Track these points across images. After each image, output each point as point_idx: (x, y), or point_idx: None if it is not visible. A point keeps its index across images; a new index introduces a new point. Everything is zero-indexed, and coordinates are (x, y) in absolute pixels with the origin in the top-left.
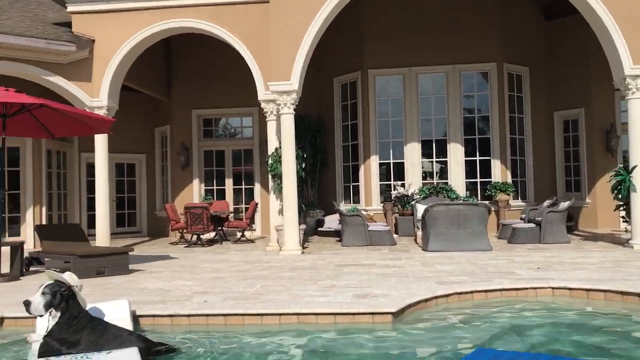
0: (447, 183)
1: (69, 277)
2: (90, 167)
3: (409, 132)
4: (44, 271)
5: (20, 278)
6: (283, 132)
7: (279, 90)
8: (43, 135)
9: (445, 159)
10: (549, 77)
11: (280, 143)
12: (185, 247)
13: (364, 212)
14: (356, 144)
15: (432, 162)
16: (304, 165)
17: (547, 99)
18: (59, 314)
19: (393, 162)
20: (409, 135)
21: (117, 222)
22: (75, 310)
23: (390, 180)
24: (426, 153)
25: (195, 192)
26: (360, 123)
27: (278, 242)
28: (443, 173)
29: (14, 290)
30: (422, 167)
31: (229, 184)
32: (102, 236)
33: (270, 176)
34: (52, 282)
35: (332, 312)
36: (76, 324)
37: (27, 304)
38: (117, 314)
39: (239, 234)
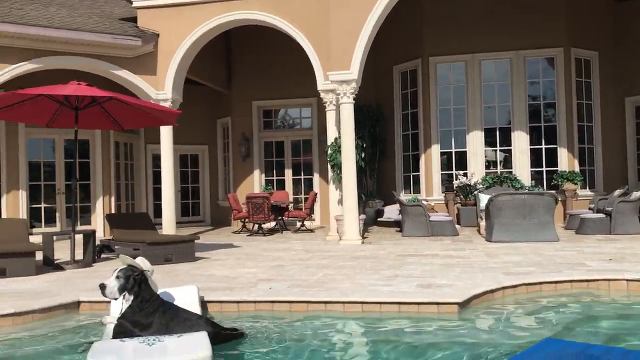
0: (511, 172)
1: (142, 262)
2: (156, 159)
3: (471, 120)
4: (114, 258)
5: (93, 265)
6: (342, 121)
7: (338, 79)
8: (112, 127)
9: (509, 148)
10: (619, 61)
11: (339, 133)
12: (247, 235)
13: (424, 202)
14: (416, 132)
15: (495, 150)
16: (363, 155)
17: (617, 84)
18: (131, 298)
19: (455, 151)
20: (471, 124)
21: (182, 211)
22: (147, 294)
23: (452, 170)
24: (489, 141)
25: (255, 182)
26: (420, 111)
27: (338, 232)
28: (507, 162)
29: (87, 276)
30: (485, 156)
31: (288, 175)
32: (168, 225)
33: (329, 166)
34: (125, 266)
35: (396, 302)
36: (148, 307)
37: (102, 287)
38: (186, 298)
39: (298, 224)
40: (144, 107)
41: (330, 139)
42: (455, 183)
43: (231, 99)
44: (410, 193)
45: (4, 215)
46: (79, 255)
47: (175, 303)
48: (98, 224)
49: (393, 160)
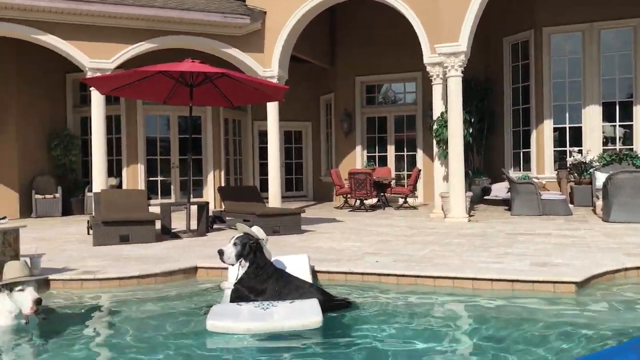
0: (632, 149)
1: (257, 231)
2: (262, 135)
3: (588, 94)
4: (225, 229)
5: (207, 234)
6: (449, 95)
7: (446, 52)
8: (223, 103)
9: (631, 123)
10: None
11: (446, 107)
12: (349, 211)
13: (535, 180)
14: (527, 107)
15: (614, 126)
16: (470, 130)
17: None
18: (247, 264)
19: (569, 127)
20: (587, 97)
21: (286, 186)
22: (262, 261)
23: (566, 146)
24: (608, 116)
25: (357, 158)
26: (532, 85)
27: (442, 209)
28: (627, 138)
29: (202, 245)
30: (603, 132)
31: (390, 151)
32: (274, 198)
33: (434, 142)
34: (242, 234)
35: (509, 279)
36: (262, 274)
37: (220, 253)
38: (297, 267)
39: (401, 201)
40: (253, 83)
41: (436, 114)
42: (569, 160)
43: (334, 75)
44: (520, 170)
45: (124, 187)
46: (193, 225)
47: (287, 271)
48: (209, 196)
49: (502, 136)
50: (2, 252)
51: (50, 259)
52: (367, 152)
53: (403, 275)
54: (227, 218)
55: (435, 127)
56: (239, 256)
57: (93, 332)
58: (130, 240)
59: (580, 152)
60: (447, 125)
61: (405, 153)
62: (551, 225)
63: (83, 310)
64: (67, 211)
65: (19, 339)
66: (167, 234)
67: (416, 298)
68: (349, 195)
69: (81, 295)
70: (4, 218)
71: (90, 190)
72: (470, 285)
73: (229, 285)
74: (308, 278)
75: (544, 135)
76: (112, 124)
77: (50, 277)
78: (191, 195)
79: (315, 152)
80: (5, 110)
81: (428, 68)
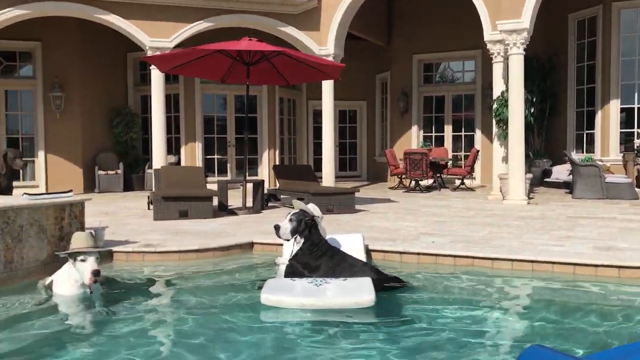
0: None
1: (313, 208)
2: (316, 115)
3: None
4: (280, 207)
5: (262, 211)
6: (511, 74)
7: (507, 29)
8: (280, 82)
9: None
10: None
11: (506, 86)
12: (404, 192)
13: (599, 163)
14: (592, 87)
15: None
16: (532, 110)
17: None
18: (302, 241)
19: (638, 107)
20: None
21: (339, 166)
22: (317, 238)
23: (633, 128)
24: None
25: (413, 138)
26: (598, 63)
27: (501, 191)
28: None
29: (258, 221)
30: None
31: (447, 131)
32: (328, 178)
33: (494, 122)
34: (298, 211)
35: (571, 262)
36: (316, 250)
37: (276, 228)
38: (352, 245)
39: (457, 182)
40: (310, 62)
41: (496, 93)
42: (637, 142)
43: (391, 53)
44: (583, 152)
45: (183, 164)
46: (249, 202)
47: (342, 249)
48: (264, 175)
49: (564, 117)
50: (69, 224)
51: (114, 232)
52: (424, 132)
53: (460, 256)
54: (282, 196)
55: (495, 106)
56: (294, 232)
57: (153, 303)
58: (188, 215)
59: None
60: (507, 105)
61: (462, 133)
62: (615, 209)
63: (144, 282)
64: (128, 187)
65: (83, 307)
66: (224, 210)
67: (473, 280)
68: (403, 176)
69: (142, 268)
70: (69, 191)
71: (150, 167)
72: (530, 267)
73: (283, 260)
74: (362, 257)
75: (609, 116)
76: (171, 103)
77: (114, 249)
78: (247, 174)
79: (370, 132)
80: (70, 89)
81: (489, 46)
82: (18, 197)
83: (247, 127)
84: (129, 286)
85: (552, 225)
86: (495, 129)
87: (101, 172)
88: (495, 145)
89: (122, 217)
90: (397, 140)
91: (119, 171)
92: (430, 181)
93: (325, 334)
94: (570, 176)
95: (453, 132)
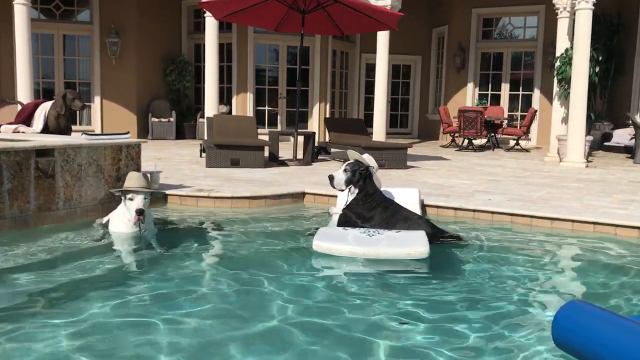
0: None
1: (368, 159)
2: (369, 69)
3: None
4: (330, 160)
5: (312, 164)
6: (577, 29)
7: None
8: (334, 32)
9: None
10: None
11: (571, 44)
12: (456, 150)
13: None
14: None
15: None
16: (597, 70)
17: None
18: (356, 191)
19: None
20: None
21: (390, 122)
22: (371, 189)
23: None
24: None
25: (468, 96)
26: None
27: (558, 153)
28: None
29: (309, 173)
30: None
31: (504, 89)
32: (379, 133)
33: (555, 80)
34: (352, 161)
35: (636, 226)
36: (371, 201)
37: (331, 178)
38: (408, 199)
39: (512, 142)
40: (367, 10)
41: (559, 50)
42: None
43: (449, 5)
44: None
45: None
46: (299, 155)
47: (397, 202)
48: (314, 128)
49: (630, 79)
50: (126, 165)
51: (167, 176)
52: (479, 90)
53: (518, 215)
54: (332, 149)
55: (557, 64)
56: (348, 182)
57: (204, 246)
58: (240, 164)
59: None
60: (571, 63)
61: (520, 93)
62: None
63: (197, 225)
64: (180, 135)
65: (135, 245)
66: (274, 161)
67: (531, 239)
68: (456, 134)
69: (196, 211)
70: (127, 133)
71: (202, 116)
72: (592, 229)
73: (337, 210)
74: (418, 211)
75: None
76: (224, 52)
77: (168, 192)
78: (297, 126)
79: (424, 88)
80: (126, 35)
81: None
82: (77, 136)
83: (300, 78)
84: (183, 229)
85: (613, 189)
86: (556, 88)
87: (154, 120)
88: (555, 105)
89: (174, 162)
90: (452, 98)
91: (172, 119)
92: (484, 140)
93: (375, 284)
94: (633, 140)
95: (510, 91)
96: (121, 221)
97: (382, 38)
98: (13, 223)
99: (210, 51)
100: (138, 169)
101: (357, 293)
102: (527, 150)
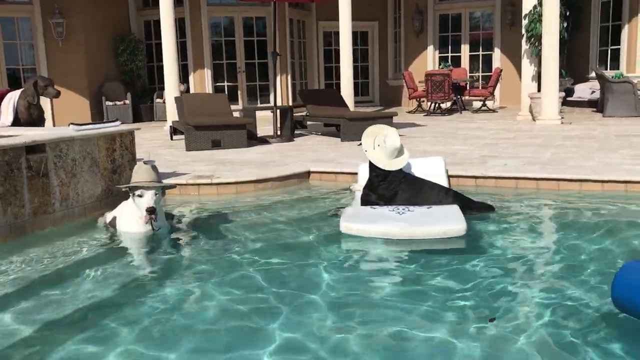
0: None
1: (391, 137)
2: (327, 36)
3: None
4: (307, 134)
5: (294, 139)
6: None
7: None
8: None
9: None
10: None
11: (539, 0)
12: (424, 115)
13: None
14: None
15: None
16: (565, 25)
17: None
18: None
19: None
20: None
21: None
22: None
23: None
24: None
25: (429, 59)
26: None
27: (530, 112)
28: None
29: (296, 149)
30: None
31: (464, 51)
32: (348, 102)
33: (524, 38)
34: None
35: None
36: (389, 182)
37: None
38: (432, 169)
39: (478, 104)
40: None
41: (526, 8)
42: None
43: None
44: (607, 70)
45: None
46: (266, 131)
47: (421, 173)
48: (278, 101)
49: (587, 33)
50: (120, 156)
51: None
52: (439, 53)
53: (543, 179)
54: (309, 122)
55: (526, 22)
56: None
57: (225, 240)
58: (221, 145)
59: None
60: (541, 20)
61: (480, 53)
62: None
63: (209, 216)
64: (137, 118)
65: (149, 247)
66: (254, 139)
67: (562, 203)
68: (422, 99)
69: (201, 200)
70: (115, 120)
71: (159, 96)
72: (623, 188)
73: (359, 187)
74: (444, 181)
75: (637, 31)
76: (177, 28)
77: (164, 181)
78: (258, 101)
79: (382, 54)
80: (71, 16)
81: None
82: (64, 128)
83: (274, 50)
84: (195, 221)
85: (610, 145)
86: (524, 46)
87: (109, 103)
88: (525, 63)
89: (147, 148)
90: (412, 62)
91: (127, 101)
92: (449, 104)
93: (411, 265)
94: (594, 94)
95: (470, 52)
96: (132, 219)
97: (344, 4)
98: (8, 231)
99: (167, 26)
100: (134, 159)
101: (392, 276)
102: (494, 111)
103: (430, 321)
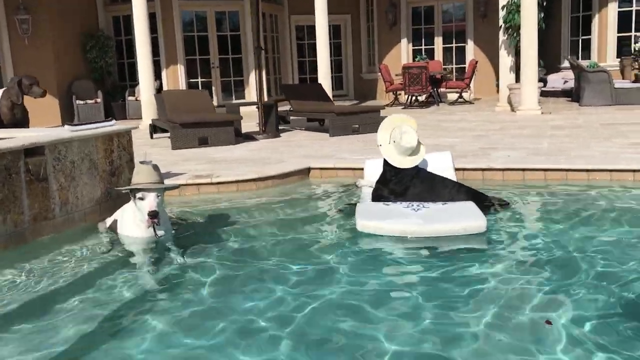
0: None
1: (410, 134)
2: (299, 30)
3: None
4: (291, 129)
5: (280, 135)
6: None
7: None
8: None
9: None
10: None
11: None
12: (402, 108)
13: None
14: None
15: None
16: (542, 15)
17: None
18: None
19: (635, 10)
20: None
21: None
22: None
23: (630, 32)
24: None
25: (403, 52)
26: None
27: (509, 102)
28: None
29: (286, 145)
30: None
31: (438, 43)
32: None
33: (502, 30)
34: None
35: None
36: (401, 177)
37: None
38: (440, 164)
39: (454, 96)
40: None
41: (502, 0)
42: (636, 46)
43: None
44: (578, 59)
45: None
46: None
47: (429, 168)
48: (252, 97)
49: (558, 23)
50: (118, 157)
51: None
52: (413, 46)
53: (551, 170)
54: (292, 117)
55: (504, 13)
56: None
57: (233, 243)
58: (209, 142)
59: None
60: (519, 11)
61: (453, 45)
62: (634, 114)
63: (213, 217)
64: (109, 116)
65: (153, 253)
66: (239, 135)
67: (573, 193)
68: (399, 92)
69: (200, 201)
70: (110, 119)
71: (131, 94)
72: (631, 177)
73: (364, 182)
74: (452, 176)
75: (607, 20)
76: (148, 23)
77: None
78: (233, 97)
79: (355, 48)
80: (36, 12)
81: None
82: (59, 129)
83: (258, 45)
84: (199, 224)
85: (600, 134)
86: (502, 37)
87: (79, 102)
88: (502, 54)
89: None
90: (385, 56)
91: (99, 100)
92: (424, 96)
93: (431, 263)
94: (566, 84)
95: (443, 44)
96: (133, 223)
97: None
98: (8, 240)
99: (140, 21)
100: (131, 160)
101: (414, 277)
102: (470, 103)
103: (457, 320)
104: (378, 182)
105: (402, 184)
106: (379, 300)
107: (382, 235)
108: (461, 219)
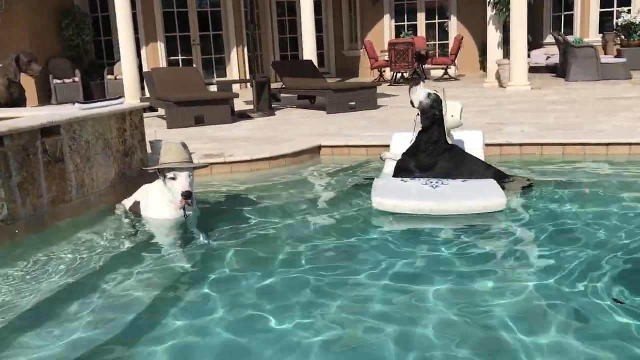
0: None
1: (452, 106)
2: (280, 6)
3: None
4: (282, 108)
5: (275, 113)
6: None
7: None
8: None
9: None
10: None
11: None
12: (388, 85)
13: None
14: None
15: None
16: None
17: None
18: (418, 131)
19: None
20: None
21: None
22: (436, 135)
23: (613, 7)
24: None
25: (386, 29)
26: None
27: (497, 78)
28: None
29: (284, 124)
30: None
31: (421, 19)
32: None
33: (490, 5)
34: (436, 95)
35: None
36: (433, 149)
37: (412, 89)
38: (471, 143)
39: (438, 73)
40: None
41: None
42: (619, 21)
43: None
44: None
45: (145, 69)
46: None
47: (462, 149)
48: (234, 75)
49: None
50: (131, 136)
51: None
52: (395, 22)
53: (570, 144)
54: (283, 95)
55: None
56: (422, 110)
57: (257, 223)
58: (205, 121)
59: (629, 12)
60: None
61: (436, 21)
62: (623, 89)
63: (232, 197)
64: (88, 96)
65: (182, 235)
66: (233, 114)
67: (593, 169)
68: (384, 69)
69: (216, 181)
70: (121, 97)
71: (110, 72)
72: None
73: (391, 156)
74: (481, 156)
75: None
76: None
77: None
78: (215, 75)
79: (337, 24)
80: None
81: None
82: (69, 107)
83: (251, 20)
84: (219, 204)
85: (602, 108)
86: (490, 13)
87: (57, 81)
88: (490, 30)
89: None
90: (368, 33)
91: (77, 79)
92: (409, 73)
93: (452, 243)
94: (549, 60)
95: (426, 20)
96: (161, 204)
97: None
98: (28, 224)
99: None
100: (143, 139)
101: (433, 256)
102: (456, 79)
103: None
104: (406, 153)
105: (433, 157)
106: (398, 277)
107: (398, 213)
108: (481, 196)
